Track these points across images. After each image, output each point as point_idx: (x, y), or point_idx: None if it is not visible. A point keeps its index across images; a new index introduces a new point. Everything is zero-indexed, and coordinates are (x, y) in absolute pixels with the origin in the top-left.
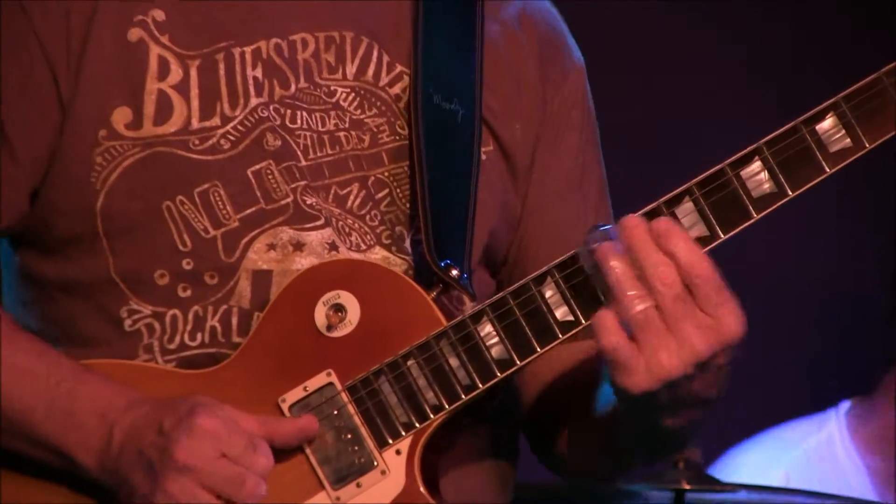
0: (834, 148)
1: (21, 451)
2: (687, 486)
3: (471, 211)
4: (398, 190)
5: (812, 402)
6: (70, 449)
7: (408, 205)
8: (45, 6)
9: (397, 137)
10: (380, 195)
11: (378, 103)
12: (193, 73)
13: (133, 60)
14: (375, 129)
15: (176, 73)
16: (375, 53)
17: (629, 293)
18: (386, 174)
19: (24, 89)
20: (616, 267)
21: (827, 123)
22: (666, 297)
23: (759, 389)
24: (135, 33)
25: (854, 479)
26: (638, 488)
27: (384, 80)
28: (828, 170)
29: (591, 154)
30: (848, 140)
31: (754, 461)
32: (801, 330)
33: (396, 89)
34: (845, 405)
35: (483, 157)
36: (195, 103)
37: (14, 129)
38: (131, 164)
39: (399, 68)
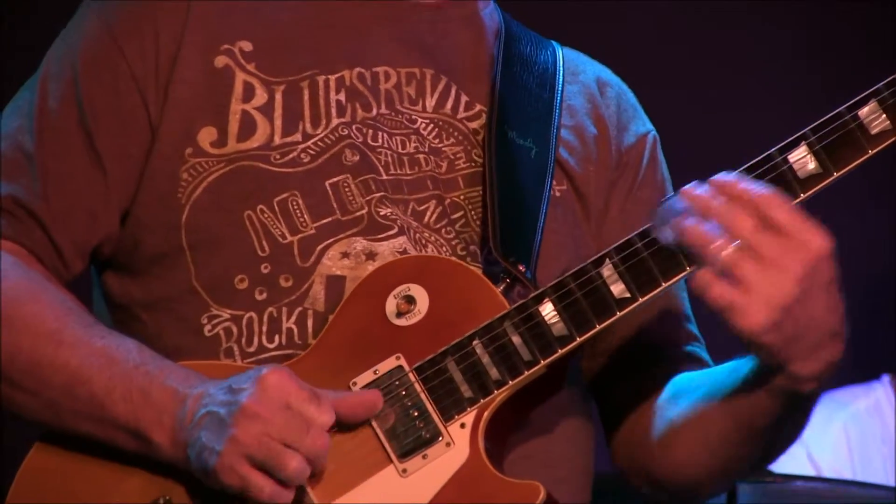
0: (875, 130)
1: (96, 434)
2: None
3: (539, 224)
4: (472, 213)
5: (853, 377)
6: (145, 427)
7: (480, 227)
8: (133, 33)
9: (473, 164)
10: (455, 216)
11: (456, 133)
12: (278, 96)
13: (219, 84)
14: (453, 157)
15: (261, 97)
16: (454, 91)
17: (714, 245)
18: (461, 197)
19: (115, 113)
20: (692, 228)
21: (868, 109)
22: (747, 233)
23: None
24: (221, 60)
25: None
26: None
27: (462, 114)
28: (869, 151)
29: None
30: (888, 123)
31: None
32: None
33: (474, 124)
34: (886, 377)
35: (557, 193)
36: (278, 122)
37: (106, 150)
38: (215, 179)
39: (478, 107)
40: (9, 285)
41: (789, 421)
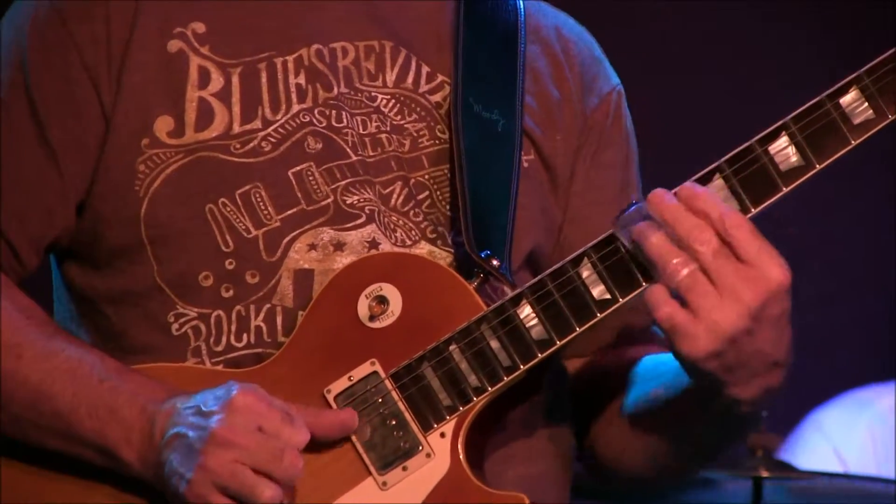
0: (858, 120)
1: (62, 450)
2: (765, 474)
3: (511, 207)
4: (438, 193)
5: (873, 376)
6: (112, 445)
7: (447, 207)
8: (83, 18)
9: (437, 142)
10: (420, 196)
11: (418, 109)
12: (235, 80)
13: (173, 70)
14: (416, 134)
15: (217, 82)
16: (414, 63)
17: (672, 262)
18: (426, 177)
19: (68, 101)
20: (654, 240)
21: (850, 97)
22: (706, 256)
23: (825, 362)
24: (174, 45)
25: None
26: (716, 476)
27: (424, 87)
28: (853, 141)
29: (630, 172)
30: (871, 112)
31: (835, 420)
32: (862, 304)
33: (437, 97)
34: None
35: (525, 164)
36: (236, 109)
37: (59, 142)
38: (174, 171)
39: (440, 78)
40: None
41: (729, 435)
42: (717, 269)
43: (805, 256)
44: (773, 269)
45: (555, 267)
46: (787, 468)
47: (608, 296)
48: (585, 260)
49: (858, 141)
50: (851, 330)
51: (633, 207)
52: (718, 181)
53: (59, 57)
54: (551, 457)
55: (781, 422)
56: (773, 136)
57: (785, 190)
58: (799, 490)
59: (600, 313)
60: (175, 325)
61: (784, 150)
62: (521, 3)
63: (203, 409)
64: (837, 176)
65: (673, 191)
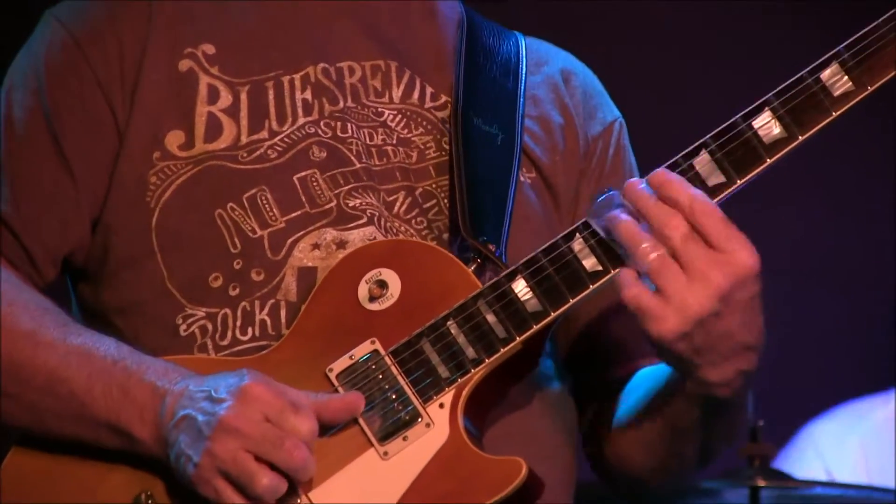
0: (837, 92)
1: (79, 434)
2: (762, 484)
3: (509, 199)
4: (445, 201)
5: (871, 384)
6: (126, 423)
7: (452, 214)
8: (97, 40)
9: (443, 153)
10: (427, 205)
11: (424, 123)
12: (243, 97)
13: (184, 88)
14: (422, 147)
15: (226, 99)
16: (419, 83)
17: (642, 245)
18: (433, 186)
19: (83, 118)
20: (625, 226)
21: (830, 71)
22: (675, 240)
23: (822, 371)
24: (185, 64)
25: None
26: (714, 486)
27: (429, 104)
28: (833, 113)
29: None
30: (850, 84)
31: (828, 436)
32: (857, 315)
33: (442, 114)
34: None
35: (528, 181)
36: (244, 122)
37: (75, 156)
38: (185, 181)
39: (443, 98)
40: None
41: (714, 424)
42: (686, 253)
43: (802, 259)
44: (742, 254)
45: (547, 243)
46: (784, 477)
47: (600, 267)
48: (577, 235)
49: (839, 112)
50: (849, 338)
51: (606, 195)
52: (704, 155)
53: (75, 77)
54: (553, 438)
55: (778, 432)
56: (757, 111)
57: (769, 161)
58: (795, 499)
59: (592, 284)
60: (183, 326)
61: (767, 124)
62: (522, 38)
63: (214, 395)
64: (838, 181)
65: (647, 177)
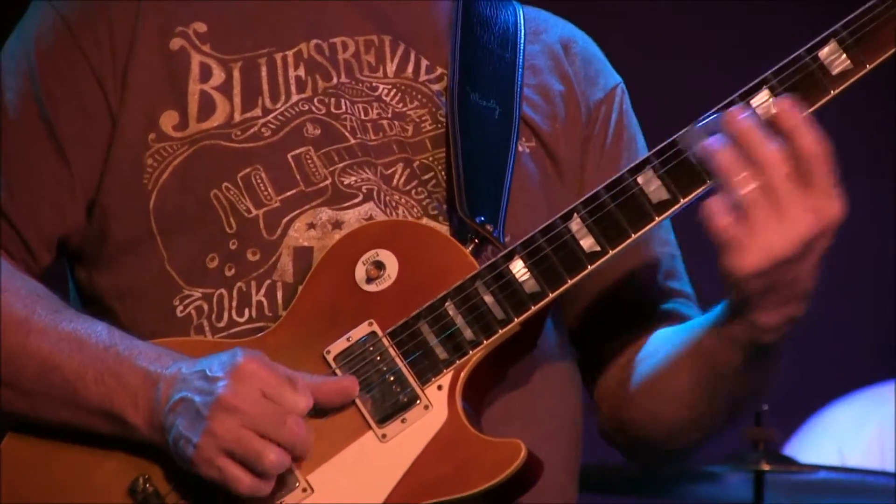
0: (836, 70)
1: (73, 421)
2: (766, 468)
3: (507, 177)
4: (442, 174)
5: (878, 371)
6: (119, 410)
7: (449, 188)
8: (87, 23)
9: (439, 126)
10: (426, 177)
11: (419, 96)
12: (236, 73)
13: (176, 67)
14: (418, 120)
15: (218, 77)
16: (413, 56)
17: (741, 174)
18: (430, 159)
19: (75, 102)
20: (725, 152)
21: (828, 49)
22: (775, 177)
23: (828, 356)
24: (176, 43)
25: None
26: (718, 470)
27: (424, 77)
28: (831, 91)
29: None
30: (849, 62)
31: (845, 418)
32: (864, 301)
33: (437, 86)
34: None
35: (527, 150)
36: (237, 100)
37: (69, 141)
38: (181, 163)
39: (439, 70)
40: None
41: (752, 372)
42: (784, 193)
43: None
44: (835, 205)
45: (545, 224)
46: (789, 462)
47: (598, 248)
48: (574, 215)
49: (837, 91)
50: (857, 325)
51: (704, 120)
52: (765, 92)
53: (66, 61)
54: (555, 418)
55: (783, 417)
56: (755, 90)
57: (833, 92)
58: (801, 482)
59: (590, 265)
60: (179, 308)
61: (765, 102)
62: (520, 7)
63: (209, 374)
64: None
65: (741, 97)
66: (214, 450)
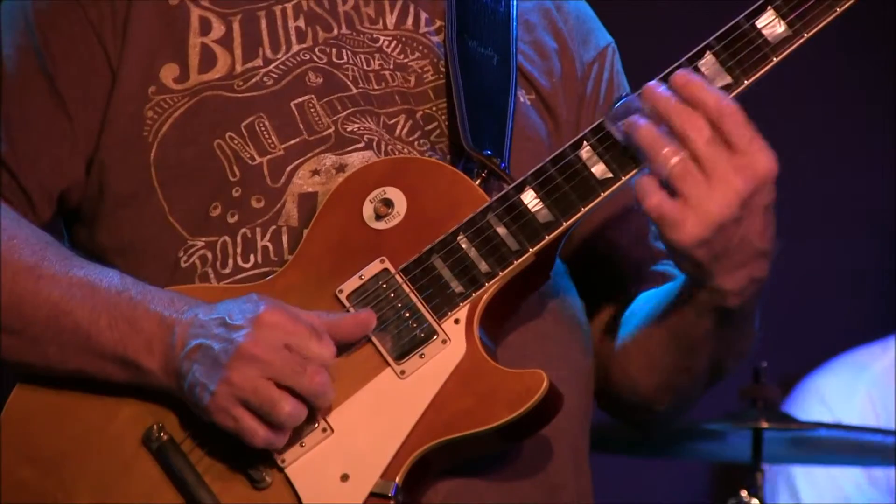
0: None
1: (85, 368)
2: (765, 425)
3: (509, 112)
4: (446, 123)
5: (871, 329)
6: (133, 355)
7: (453, 135)
8: None
9: (441, 77)
10: (429, 127)
11: (420, 47)
12: (235, 26)
13: (175, 20)
14: (420, 71)
15: (218, 29)
16: (412, 9)
17: (663, 151)
18: (433, 108)
19: (75, 56)
20: (645, 130)
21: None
22: (698, 143)
23: (824, 313)
24: None
25: None
26: (717, 427)
27: (424, 28)
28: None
29: None
30: None
31: (835, 388)
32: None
33: (437, 38)
34: None
35: (528, 101)
36: (238, 52)
37: (68, 92)
38: (182, 114)
39: (438, 23)
40: None
41: (725, 335)
42: (708, 158)
43: (802, 203)
44: (764, 159)
45: (555, 153)
46: (788, 419)
47: (610, 174)
48: (584, 143)
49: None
50: (850, 282)
51: (624, 100)
52: (709, 57)
53: (64, 16)
54: (570, 362)
55: (781, 374)
56: (759, 12)
57: (775, 60)
58: (799, 440)
59: (603, 192)
60: (184, 258)
61: (772, 22)
62: None
63: (229, 321)
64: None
65: (660, 76)
66: (231, 399)
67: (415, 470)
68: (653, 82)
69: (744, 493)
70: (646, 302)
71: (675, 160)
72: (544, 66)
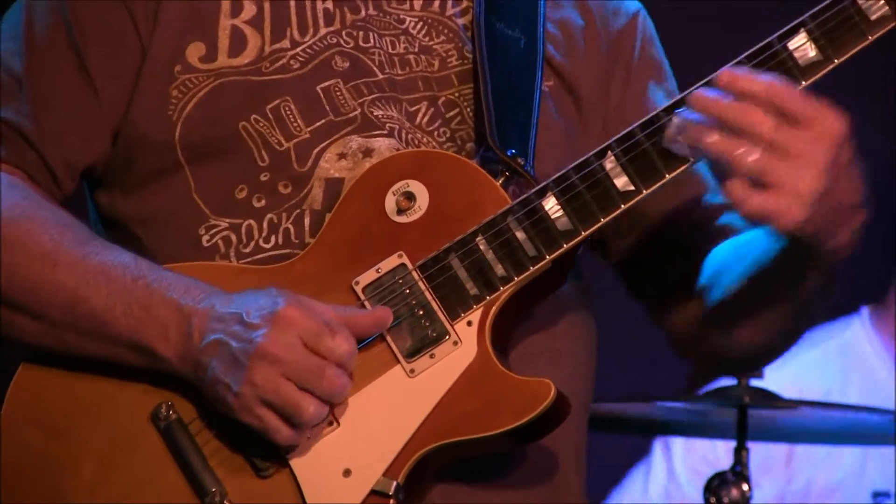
0: (874, 16)
1: (102, 354)
2: (750, 403)
3: (534, 109)
4: (468, 110)
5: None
6: (149, 342)
7: (476, 123)
8: None
9: (465, 62)
10: (450, 114)
11: (445, 31)
12: (266, 6)
13: (206, 1)
14: (444, 55)
15: (249, 10)
16: None
17: (738, 151)
18: (456, 94)
19: (106, 34)
20: (710, 139)
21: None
22: (766, 133)
23: None
24: None
25: (882, 371)
26: (702, 406)
27: (450, 10)
28: (869, 37)
29: (670, 84)
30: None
31: (814, 383)
32: None
33: (463, 20)
34: (864, 310)
35: (546, 89)
36: (267, 32)
37: (98, 70)
38: (206, 94)
39: (464, 3)
40: (4, 206)
41: (829, 284)
42: (782, 142)
43: None
44: (832, 122)
45: (579, 160)
46: (772, 397)
47: (631, 187)
48: (609, 153)
49: (875, 36)
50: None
51: (674, 119)
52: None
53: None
54: (576, 360)
55: None
56: (792, 33)
57: (870, 39)
58: (782, 418)
59: (624, 204)
60: (206, 237)
61: (803, 45)
62: None
63: (246, 319)
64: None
65: (706, 79)
66: (254, 399)
67: (416, 470)
68: (698, 90)
69: (728, 472)
70: (735, 261)
71: (753, 157)
72: (567, 45)
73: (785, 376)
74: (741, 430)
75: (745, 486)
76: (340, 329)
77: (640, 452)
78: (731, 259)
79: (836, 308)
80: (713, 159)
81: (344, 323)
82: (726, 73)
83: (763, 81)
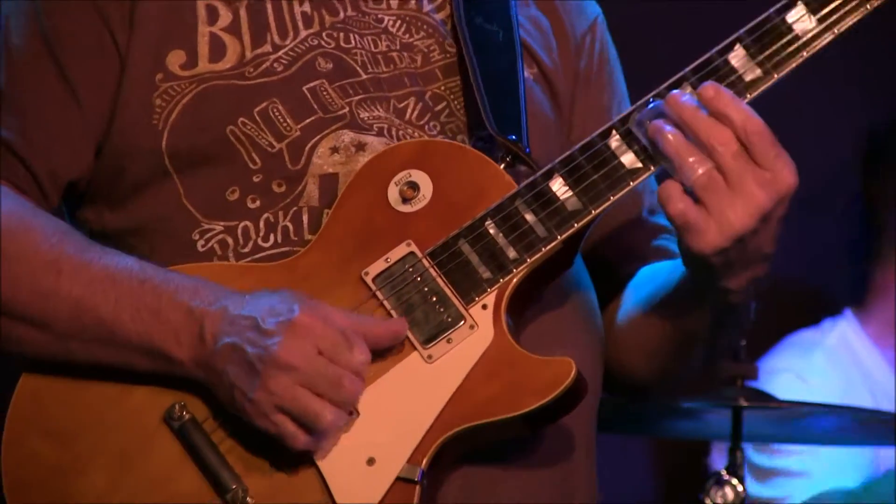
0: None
1: (113, 360)
2: (745, 404)
3: (521, 95)
4: (455, 102)
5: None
6: (161, 345)
7: (465, 114)
8: None
9: (447, 55)
10: (438, 107)
11: (425, 27)
12: (242, 13)
13: (182, 10)
14: (426, 50)
15: (225, 17)
16: None
17: (689, 159)
18: (442, 88)
19: (83, 43)
20: (672, 138)
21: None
22: (725, 156)
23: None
24: None
25: (876, 371)
26: (697, 406)
27: (427, 7)
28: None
29: (622, 88)
30: None
31: (790, 356)
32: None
33: (441, 15)
34: (848, 311)
35: (531, 76)
36: (246, 38)
37: (79, 79)
38: (190, 101)
39: (438, 0)
40: (3, 213)
41: (721, 326)
42: (734, 170)
43: None
44: (787, 175)
45: (583, 141)
46: (767, 398)
47: (639, 164)
48: (613, 132)
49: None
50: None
51: (651, 105)
52: (739, 50)
53: (76, 8)
54: (584, 343)
55: (762, 352)
56: (728, 49)
57: (805, 55)
58: (778, 419)
59: (633, 181)
60: (200, 242)
61: (802, 17)
62: None
63: (262, 325)
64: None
65: (697, 90)
66: (270, 406)
67: (439, 455)
68: (677, 91)
69: (723, 472)
70: (647, 282)
71: (701, 170)
72: (543, 42)
73: (790, 379)
74: (736, 431)
75: (739, 487)
76: (356, 339)
77: (635, 452)
78: (645, 279)
79: (820, 310)
80: (664, 154)
81: (359, 332)
82: (711, 86)
83: (744, 110)
